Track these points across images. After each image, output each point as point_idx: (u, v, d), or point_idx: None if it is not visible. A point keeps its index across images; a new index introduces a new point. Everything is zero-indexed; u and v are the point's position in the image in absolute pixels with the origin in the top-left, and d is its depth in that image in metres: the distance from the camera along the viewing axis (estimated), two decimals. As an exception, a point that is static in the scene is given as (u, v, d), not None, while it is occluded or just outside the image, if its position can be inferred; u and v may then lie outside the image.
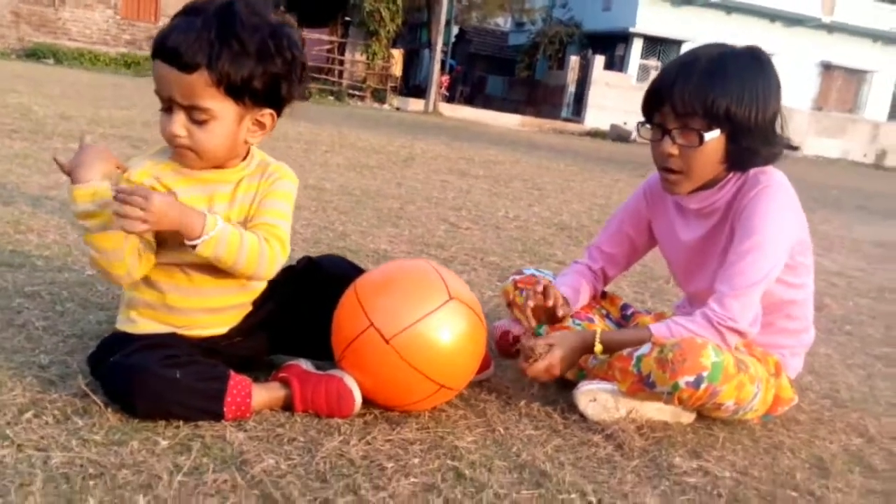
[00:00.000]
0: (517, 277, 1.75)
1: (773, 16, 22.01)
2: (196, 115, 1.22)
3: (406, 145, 7.68)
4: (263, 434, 1.26)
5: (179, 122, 1.22)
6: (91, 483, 1.05)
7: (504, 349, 1.72)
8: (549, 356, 1.44)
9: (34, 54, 16.48)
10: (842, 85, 23.42)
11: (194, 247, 1.23)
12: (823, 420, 1.63)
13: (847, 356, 2.17)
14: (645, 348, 1.39)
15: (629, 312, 1.75)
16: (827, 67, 23.13)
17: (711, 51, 1.42)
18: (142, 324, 1.36)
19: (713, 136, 1.39)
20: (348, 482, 1.14)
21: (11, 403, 1.24)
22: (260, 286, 1.44)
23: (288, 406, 1.35)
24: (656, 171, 1.56)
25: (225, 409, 1.27)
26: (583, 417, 1.46)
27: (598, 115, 20.55)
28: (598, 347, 1.47)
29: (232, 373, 1.31)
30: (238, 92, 1.22)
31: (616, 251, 1.72)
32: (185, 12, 1.22)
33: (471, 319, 1.38)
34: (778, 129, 1.44)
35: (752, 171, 1.46)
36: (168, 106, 1.23)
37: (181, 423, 1.24)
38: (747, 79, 1.38)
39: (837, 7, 22.13)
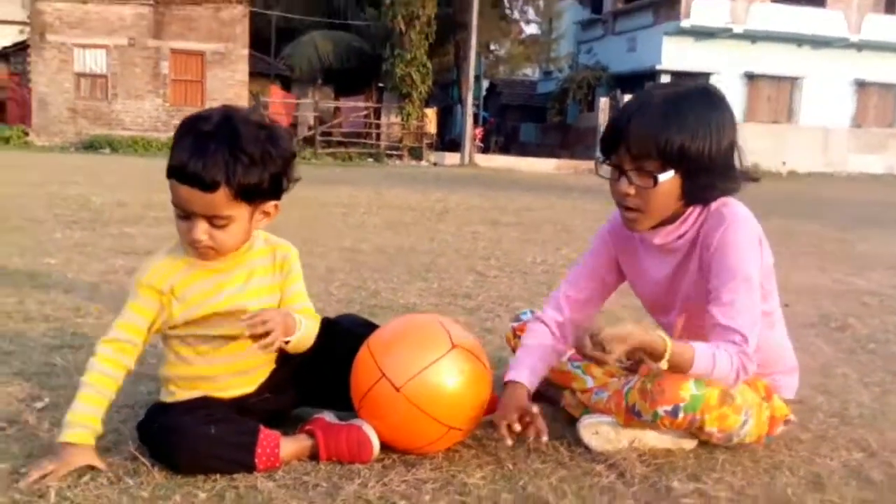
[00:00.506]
0: (515, 325, 1.89)
1: (799, 40, 21.92)
2: (217, 222, 1.40)
3: (441, 199, 7.91)
4: (291, 482, 1.39)
5: (202, 230, 1.39)
6: (139, 532, 1.20)
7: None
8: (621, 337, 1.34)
9: (91, 146, 17.61)
10: (878, 101, 22.98)
11: (287, 342, 1.45)
12: (827, 437, 1.67)
13: (865, 374, 2.19)
14: (633, 381, 1.49)
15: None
16: (861, 85, 22.77)
17: (666, 91, 1.47)
18: (179, 394, 1.53)
19: (667, 176, 1.44)
20: (366, 520, 1.26)
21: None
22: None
23: (314, 455, 1.48)
24: (612, 220, 1.65)
25: (256, 461, 1.41)
26: (588, 450, 1.55)
27: (633, 152, 20.56)
28: (664, 364, 1.38)
29: (262, 427, 1.46)
30: (251, 196, 1.40)
31: (585, 295, 1.71)
32: (190, 132, 1.38)
33: (474, 364, 1.51)
34: (736, 162, 1.49)
35: (714, 204, 1.51)
36: (186, 215, 1.40)
37: (218, 476, 1.38)
38: (700, 116, 1.42)
39: (864, 25, 21.92)
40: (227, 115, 1.40)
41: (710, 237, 1.50)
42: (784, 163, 21.34)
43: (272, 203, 1.47)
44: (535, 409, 1.48)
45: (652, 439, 1.54)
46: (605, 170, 1.53)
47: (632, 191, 1.47)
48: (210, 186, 1.34)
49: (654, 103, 1.43)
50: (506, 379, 1.59)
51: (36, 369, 1.94)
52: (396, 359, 1.48)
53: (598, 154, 1.52)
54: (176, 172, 1.36)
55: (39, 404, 1.71)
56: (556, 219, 6.55)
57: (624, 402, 1.49)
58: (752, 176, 1.53)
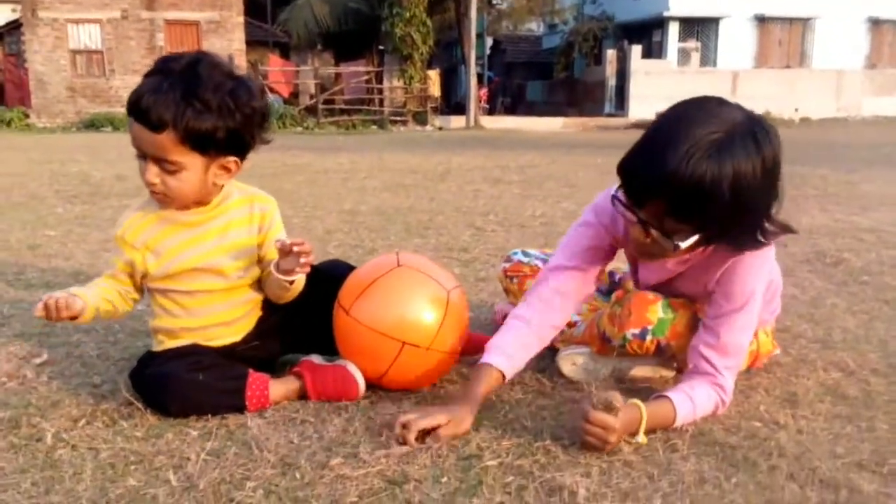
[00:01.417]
0: (506, 265, 1.91)
1: (811, -22, 21.34)
2: (166, 167, 1.40)
3: (443, 162, 7.87)
4: (280, 419, 1.44)
5: (153, 172, 1.41)
6: (132, 468, 1.25)
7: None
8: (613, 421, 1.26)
9: (92, 124, 17.48)
10: (893, 39, 22.41)
11: (292, 281, 1.49)
12: (807, 360, 1.70)
13: (854, 303, 2.20)
14: (604, 310, 1.52)
15: (617, 279, 1.86)
16: (875, 23, 22.19)
17: (710, 137, 1.20)
18: (167, 343, 1.57)
19: (691, 241, 1.29)
20: (351, 449, 1.30)
21: (68, 416, 1.45)
22: (261, 296, 1.62)
23: (303, 396, 1.53)
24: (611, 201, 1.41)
25: (247, 402, 1.46)
26: (569, 381, 1.58)
27: (642, 105, 20.32)
28: (642, 439, 1.30)
29: (251, 370, 1.50)
30: (202, 145, 1.39)
31: (589, 265, 1.53)
32: (156, 71, 1.40)
33: (421, 281, 1.54)
34: (773, 218, 1.31)
35: None
36: (143, 155, 1.42)
37: (209, 416, 1.43)
38: (745, 187, 1.20)
39: (879, -41, 21.28)
40: (196, 60, 1.40)
41: (716, 268, 1.41)
42: (796, 109, 20.99)
43: (232, 158, 1.46)
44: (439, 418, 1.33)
45: (631, 368, 1.57)
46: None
47: (649, 241, 1.32)
48: (156, 126, 1.35)
49: (692, 157, 1.19)
50: (483, 359, 1.46)
51: (36, 331, 2.00)
52: (348, 287, 1.57)
53: (618, 193, 1.34)
54: (129, 107, 1.38)
55: (38, 360, 1.77)
56: (559, 174, 6.51)
57: (596, 329, 1.52)
58: (791, 229, 1.36)
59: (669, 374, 1.60)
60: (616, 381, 1.55)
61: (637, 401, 1.31)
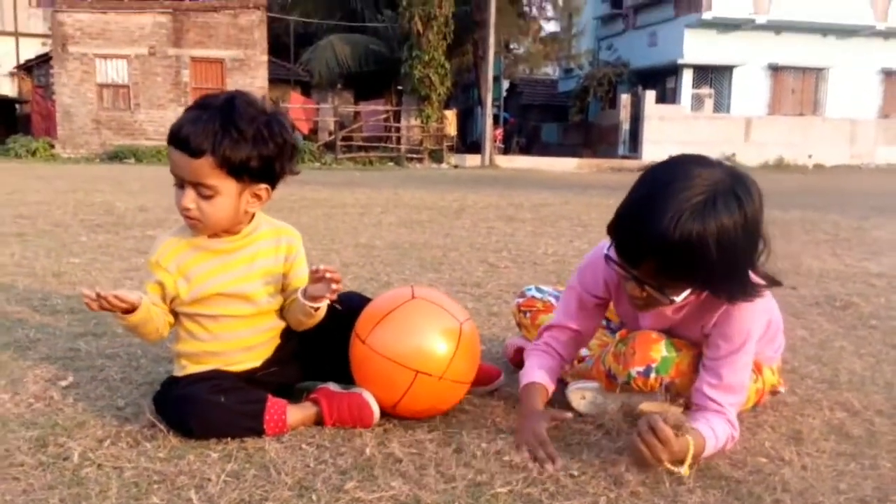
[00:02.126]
0: (520, 301, 1.96)
1: (824, 30, 21.60)
2: (203, 192, 1.49)
3: (458, 199, 7.96)
4: (297, 443, 1.48)
5: (190, 198, 1.49)
6: (155, 486, 1.30)
7: (517, 362, 1.91)
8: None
9: (116, 156, 17.90)
10: (906, 90, 22.57)
11: (316, 308, 1.56)
12: (813, 400, 1.73)
13: (861, 346, 2.23)
14: (609, 347, 1.57)
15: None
16: (888, 74, 22.38)
17: (695, 199, 1.26)
18: (189, 368, 1.62)
19: (684, 296, 1.38)
20: (365, 474, 1.34)
21: (93, 436, 1.50)
22: (282, 324, 1.68)
23: (319, 422, 1.58)
24: (593, 265, 1.60)
25: (265, 427, 1.51)
26: (578, 414, 1.62)
27: (655, 148, 20.47)
28: (685, 470, 1.32)
29: (269, 395, 1.56)
30: (237, 172, 1.48)
31: (583, 325, 1.65)
32: (196, 106, 1.51)
33: (435, 312, 1.60)
34: (759, 270, 1.39)
35: None
36: (181, 183, 1.51)
37: (229, 439, 1.48)
38: (731, 243, 1.27)
39: (891, 11, 21.52)
40: (232, 96, 1.51)
41: (713, 312, 1.45)
42: (810, 156, 21.06)
43: (263, 186, 1.54)
44: (545, 425, 1.45)
45: (640, 404, 1.60)
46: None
47: (644, 295, 1.40)
48: (195, 152, 1.44)
49: (678, 220, 1.25)
50: (524, 382, 1.59)
51: (61, 354, 2.07)
52: (365, 317, 1.62)
53: (610, 252, 1.42)
54: (170, 137, 1.47)
55: (63, 383, 1.83)
56: (571, 214, 6.58)
57: (602, 366, 1.57)
58: (777, 281, 1.44)
59: (677, 409, 1.62)
60: (624, 415, 1.59)
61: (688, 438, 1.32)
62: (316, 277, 1.52)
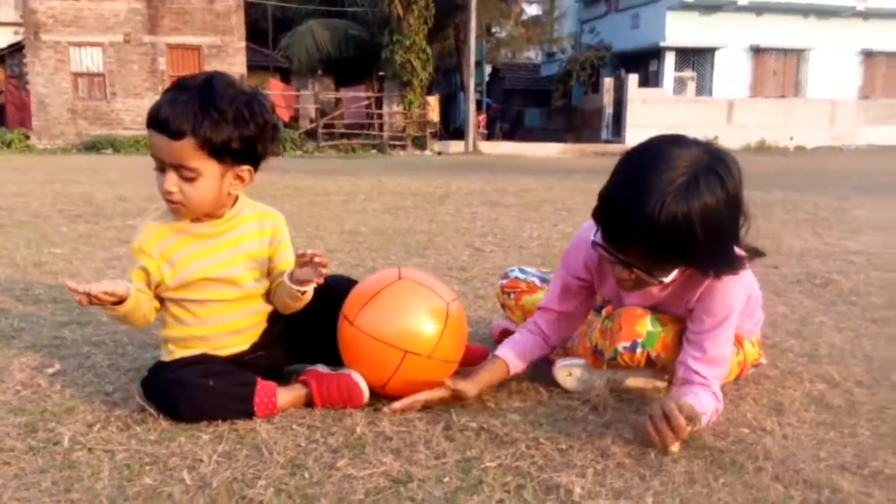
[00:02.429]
0: (504, 282, 1.98)
1: (805, 11, 21.75)
2: (185, 174, 1.47)
3: (442, 185, 7.96)
4: (287, 424, 1.50)
5: (171, 181, 1.48)
6: (147, 468, 1.30)
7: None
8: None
9: (93, 146, 17.59)
10: (886, 71, 22.79)
11: (303, 292, 1.56)
12: (794, 373, 1.77)
13: (841, 321, 2.28)
14: (596, 324, 1.59)
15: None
16: (868, 55, 22.60)
17: (677, 181, 1.28)
18: (177, 353, 1.62)
19: (673, 275, 1.41)
20: (356, 451, 1.36)
21: (83, 421, 1.51)
22: (269, 307, 1.68)
23: (309, 403, 1.59)
24: (576, 248, 1.63)
25: (255, 409, 1.52)
26: (566, 391, 1.64)
27: (639, 132, 20.40)
28: (675, 448, 1.35)
29: (259, 378, 1.56)
30: (219, 153, 1.47)
31: (567, 307, 1.67)
32: (173, 88, 1.49)
33: (421, 292, 1.62)
34: (742, 243, 1.42)
35: None
36: (161, 167, 1.50)
37: (220, 422, 1.49)
38: (715, 221, 1.30)
39: (870, -8, 21.70)
40: (210, 77, 1.49)
41: (696, 288, 1.48)
42: (791, 138, 21.25)
43: (246, 167, 1.54)
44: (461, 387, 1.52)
45: (626, 379, 1.64)
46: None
47: (633, 277, 1.43)
48: (176, 134, 1.43)
49: (662, 202, 1.27)
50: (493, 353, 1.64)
51: (47, 342, 2.06)
52: (352, 299, 1.63)
53: (597, 238, 1.44)
54: (149, 120, 1.46)
55: (50, 370, 1.82)
56: (555, 198, 6.61)
57: (588, 342, 1.59)
58: (759, 252, 1.49)
59: (662, 384, 1.66)
60: (611, 391, 1.61)
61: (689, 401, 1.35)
62: (303, 262, 1.52)
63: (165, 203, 1.54)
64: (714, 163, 1.32)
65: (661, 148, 1.34)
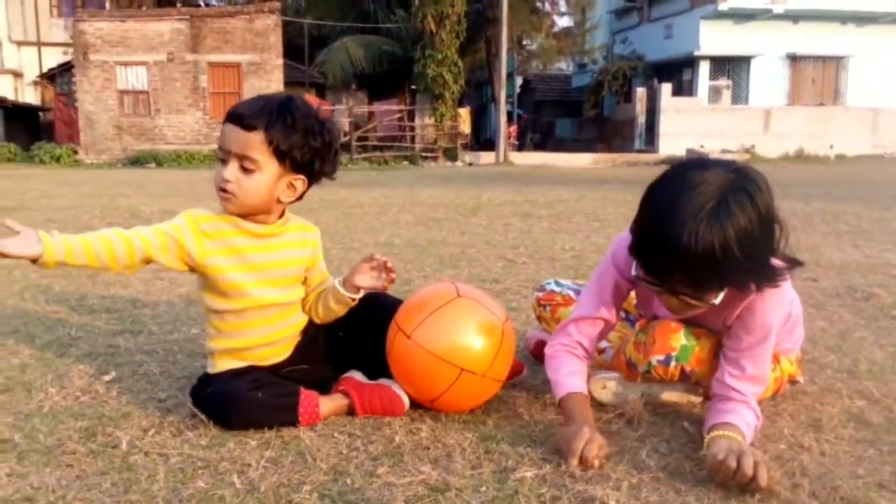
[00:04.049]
0: (540, 294, 2.01)
1: (843, 18, 21.36)
2: (246, 164, 1.55)
3: (474, 196, 8.01)
4: (329, 432, 1.55)
5: (231, 170, 1.56)
6: (200, 472, 1.36)
7: (538, 355, 1.96)
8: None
9: (137, 161, 18.36)
10: (928, 78, 22.23)
11: (355, 299, 1.67)
12: (833, 389, 1.76)
13: (882, 336, 2.25)
14: (630, 337, 1.61)
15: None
16: (909, 61, 22.09)
17: (707, 207, 1.28)
18: (221, 364, 1.68)
19: (722, 296, 1.40)
20: (396, 460, 1.40)
21: (138, 426, 1.58)
22: (303, 321, 1.75)
23: (350, 413, 1.64)
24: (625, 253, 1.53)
25: (299, 418, 1.57)
26: (600, 404, 1.67)
27: (672, 142, 20.40)
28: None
29: (302, 388, 1.62)
30: (282, 155, 1.56)
31: (612, 314, 1.63)
32: (257, 97, 1.60)
33: (480, 311, 1.63)
34: (780, 254, 1.40)
35: None
36: (225, 158, 1.57)
37: (266, 429, 1.55)
38: (752, 240, 1.29)
39: (911, -2, 21.23)
40: (290, 95, 1.62)
41: (736, 305, 1.48)
42: (831, 146, 20.85)
43: (300, 177, 1.61)
44: (599, 440, 1.39)
45: (661, 393, 1.65)
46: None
47: (679, 305, 1.44)
48: (248, 126, 1.53)
49: (698, 227, 1.27)
50: (564, 391, 1.53)
51: (102, 350, 2.16)
52: (409, 312, 1.65)
53: (638, 273, 1.44)
54: (228, 116, 1.57)
55: (107, 377, 1.91)
56: (587, 209, 6.60)
57: (623, 356, 1.62)
58: (797, 262, 1.44)
59: (697, 399, 1.67)
60: (645, 405, 1.63)
61: (736, 435, 1.36)
62: (372, 266, 1.62)
63: (218, 193, 1.60)
64: (741, 181, 1.31)
65: (684, 175, 1.34)
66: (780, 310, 1.49)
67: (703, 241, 1.26)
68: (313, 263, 1.73)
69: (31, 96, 26.82)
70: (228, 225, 1.63)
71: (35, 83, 26.49)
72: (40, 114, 25.87)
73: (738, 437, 1.36)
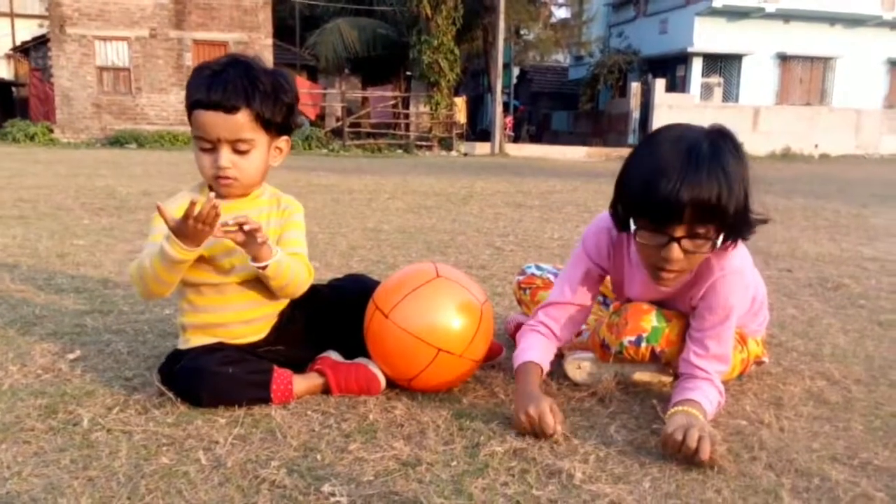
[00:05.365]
0: (520, 278, 2.04)
1: (832, 19, 21.47)
2: (240, 147, 1.54)
3: (466, 186, 7.98)
4: (302, 410, 1.55)
5: (226, 157, 1.54)
6: (164, 449, 1.35)
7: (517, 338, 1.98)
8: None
9: (117, 141, 17.28)
10: (912, 80, 22.37)
11: (264, 267, 1.52)
12: (796, 371, 1.81)
13: (847, 323, 2.30)
14: (604, 319, 1.64)
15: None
16: (894, 64, 22.20)
17: (702, 149, 1.36)
18: (193, 341, 1.66)
19: (721, 239, 1.41)
20: (368, 436, 1.42)
21: (102, 404, 1.54)
22: (283, 302, 1.72)
23: (325, 392, 1.63)
24: (599, 233, 1.63)
25: (272, 395, 1.56)
26: (575, 384, 1.70)
27: (664, 137, 20.38)
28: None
29: (275, 366, 1.61)
30: (267, 124, 1.55)
31: (583, 299, 1.67)
32: (206, 71, 1.51)
33: (459, 292, 1.63)
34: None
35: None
36: (211, 146, 1.53)
37: (236, 407, 1.53)
38: (735, 172, 1.37)
39: (898, 2, 21.33)
40: (235, 56, 1.57)
41: (700, 285, 1.53)
42: (816, 146, 21.00)
43: (284, 138, 1.61)
44: (545, 404, 1.43)
45: (633, 374, 1.69)
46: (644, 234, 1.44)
47: (682, 256, 1.42)
48: (231, 108, 1.49)
49: (703, 169, 1.34)
50: (519, 361, 1.59)
51: (68, 330, 2.09)
52: (387, 291, 1.65)
53: (634, 227, 1.44)
54: (197, 102, 1.50)
55: (71, 356, 1.86)
56: (578, 200, 6.63)
57: (596, 337, 1.65)
58: (766, 218, 1.49)
59: (668, 379, 1.71)
60: (617, 384, 1.67)
61: (695, 410, 1.40)
62: (225, 230, 1.46)
63: (214, 182, 1.58)
64: (722, 132, 1.42)
65: (670, 131, 1.43)
66: (741, 291, 1.53)
67: (705, 176, 1.33)
68: (283, 230, 1.65)
69: (3, 71, 25.43)
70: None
71: (8, 57, 25.21)
72: (13, 89, 24.18)
73: (696, 413, 1.39)
